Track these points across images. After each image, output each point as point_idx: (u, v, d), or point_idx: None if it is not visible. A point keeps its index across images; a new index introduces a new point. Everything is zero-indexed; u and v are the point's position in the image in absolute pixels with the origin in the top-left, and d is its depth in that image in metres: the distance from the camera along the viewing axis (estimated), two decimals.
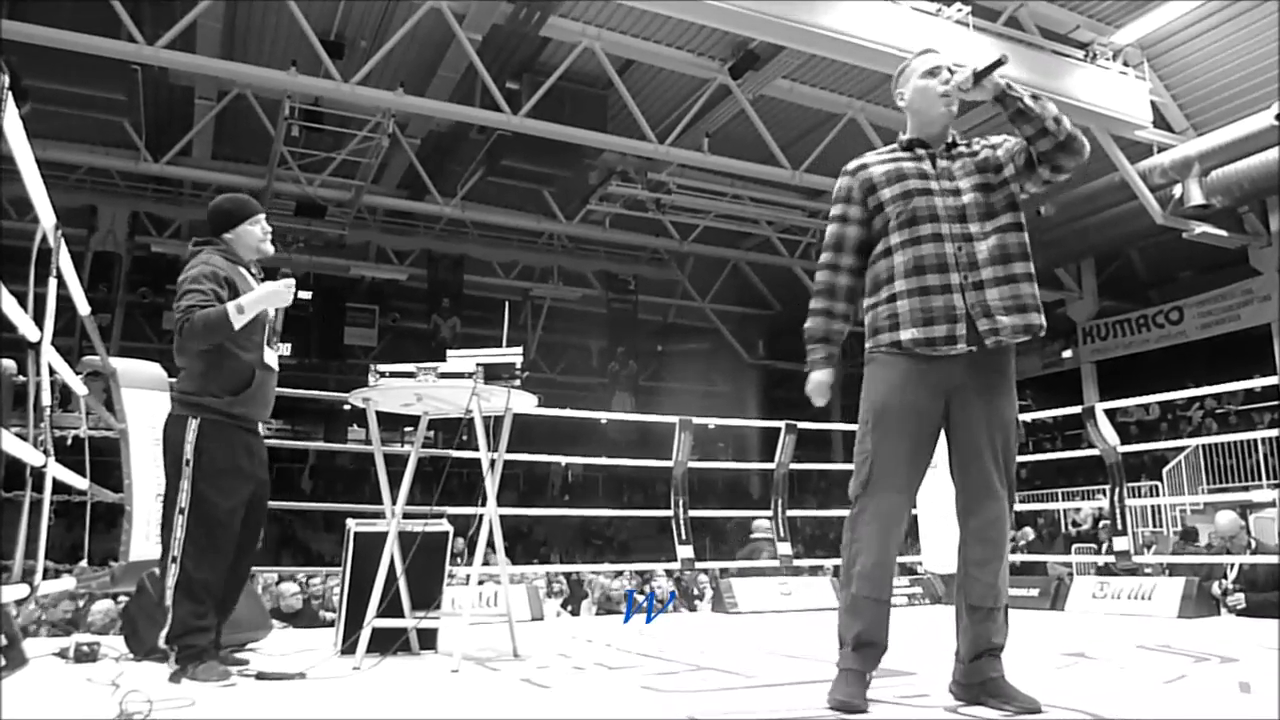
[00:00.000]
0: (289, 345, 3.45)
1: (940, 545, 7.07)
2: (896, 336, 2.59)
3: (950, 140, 2.76)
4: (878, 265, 2.70)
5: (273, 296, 3.22)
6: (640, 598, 8.47)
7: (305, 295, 3.42)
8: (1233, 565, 6.14)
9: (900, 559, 10.11)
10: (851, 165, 2.82)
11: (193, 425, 3.14)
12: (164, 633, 3.06)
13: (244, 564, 3.38)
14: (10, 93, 2.18)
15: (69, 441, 4.06)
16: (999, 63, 2.54)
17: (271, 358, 3.36)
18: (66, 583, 4.31)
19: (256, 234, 3.38)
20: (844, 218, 2.77)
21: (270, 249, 3.43)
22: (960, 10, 10.19)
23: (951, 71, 2.69)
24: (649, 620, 7.88)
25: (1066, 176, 2.65)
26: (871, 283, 2.72)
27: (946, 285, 2.58)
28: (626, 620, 8.25)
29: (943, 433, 2.65)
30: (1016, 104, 2.55)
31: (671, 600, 8.04)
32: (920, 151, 2.74)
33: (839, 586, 2.78)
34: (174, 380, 3.26)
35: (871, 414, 2.63)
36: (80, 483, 3.73)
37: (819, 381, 2.78)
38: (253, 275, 3.36)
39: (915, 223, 2.63)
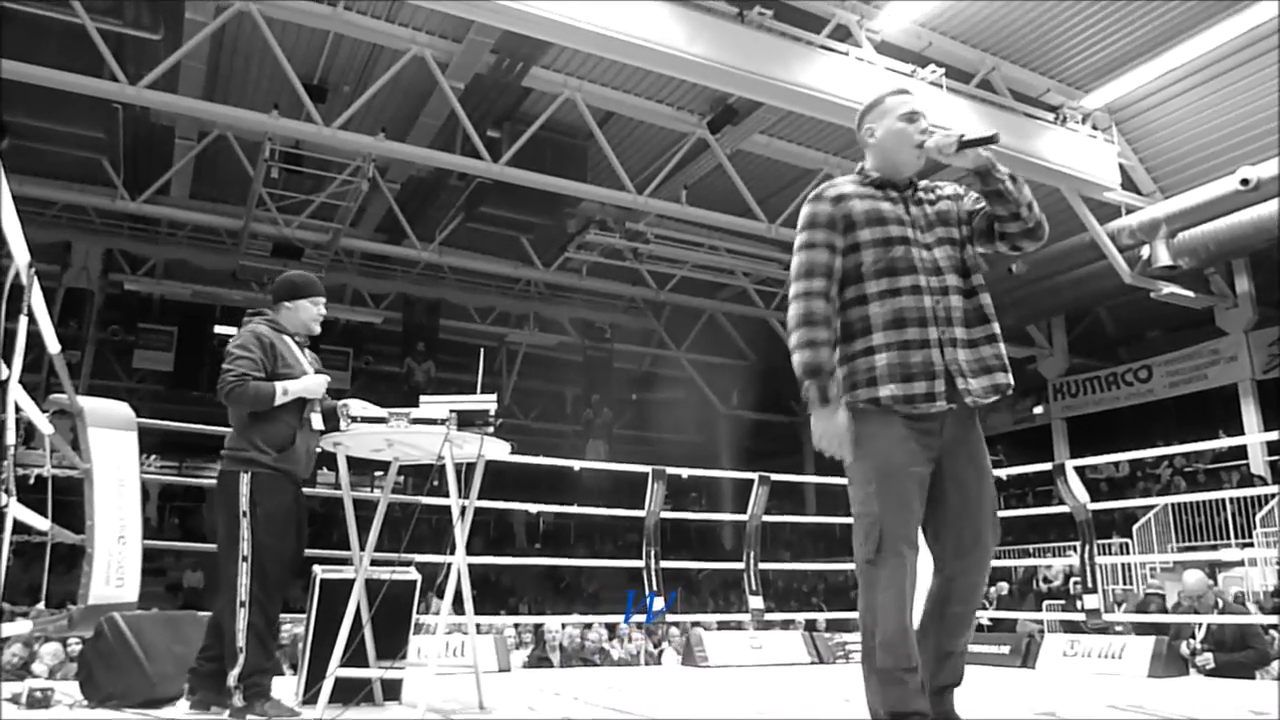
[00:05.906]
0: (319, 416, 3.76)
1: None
2: (875, 393, 2.43)
3: (912, 184, 2.63)
4: (849, 313, 2.52)
5: (314, 389, 3.66)
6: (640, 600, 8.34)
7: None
8: (1200, 625, 6.16)
9: None
10: (830, 193, 2.58)
11: (245, 479, 3.44)
12: (235, 673, 3.30)
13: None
14: None
15: (31, 480, 3.98)
16: (991, 139, 2.44)
17: (313, 421, 3.69)
18: (23, 625, 4.20)
19: (313, 313, 3.78)
20: (829, 245, 2.52)
21: (317, 329, 3.83)
22: (934, 72, 10.42)
23: (930, 126, 2.58)
24: (648, 620, 7.77)
25: (1019, 255, 2.53)
26: (843, 330, 2.53)
27: (925, 340, 2.44)
28: (627, 620, 8.14)
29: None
30: (998, 184, 2.46)
31: (659, 599, 7.92)
32: (893, 194, 2.57)
33: (861, 657, 2.45)
34: (224, 436, 3.61)
35: (875, 474, 2.42)
36: (42, 523, 3.65)
37: (836, 425, 2.44)
38: (296, 344, 3.74)
39: (894, 273, 2.47)
